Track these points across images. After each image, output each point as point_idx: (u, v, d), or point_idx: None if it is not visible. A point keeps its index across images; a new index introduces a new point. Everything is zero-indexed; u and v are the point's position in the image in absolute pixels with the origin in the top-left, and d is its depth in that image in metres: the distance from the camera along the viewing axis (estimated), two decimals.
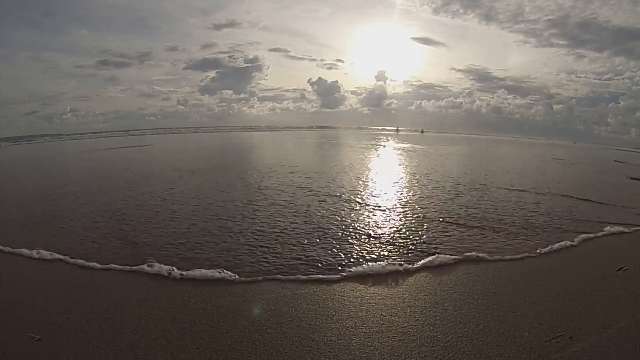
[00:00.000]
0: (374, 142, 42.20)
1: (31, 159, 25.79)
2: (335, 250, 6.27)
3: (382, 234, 7.20)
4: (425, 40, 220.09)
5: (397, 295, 4.80)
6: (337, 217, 8.37)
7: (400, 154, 26.54)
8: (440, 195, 11.00)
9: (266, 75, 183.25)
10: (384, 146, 36.30)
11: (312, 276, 5.26)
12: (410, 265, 5.64)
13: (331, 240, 6.81)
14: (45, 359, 3.46)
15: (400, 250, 6.32)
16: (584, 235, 7.35)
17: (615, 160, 32.37)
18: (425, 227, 7.70)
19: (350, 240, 6.76)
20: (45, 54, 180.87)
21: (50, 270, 5.61)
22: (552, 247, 6.66)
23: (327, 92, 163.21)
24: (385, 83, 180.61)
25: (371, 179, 14.20)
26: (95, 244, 6.67)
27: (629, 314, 4.29)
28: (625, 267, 5.65)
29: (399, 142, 42.48)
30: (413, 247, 6.44)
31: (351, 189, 11.87)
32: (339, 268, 5.55)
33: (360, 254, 6.09)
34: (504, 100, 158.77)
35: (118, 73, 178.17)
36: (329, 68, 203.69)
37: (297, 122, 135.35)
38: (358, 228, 7.53)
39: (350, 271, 5.41)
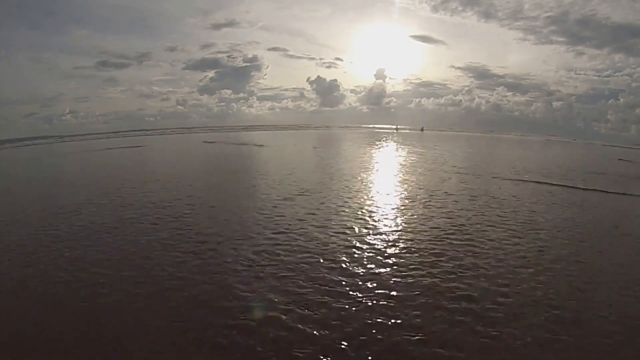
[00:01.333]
0: (379, 146, 35.61)
1: None
2: None
3: None
4: (424, 39, 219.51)
5: None
6: None
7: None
8: None
9: (265, 74, 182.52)
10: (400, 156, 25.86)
11: None
12: None
13: None
14: None
15: None
16: None
17: (619, 159, 32.04)
18: None
19: None
20: (45, 54, 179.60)
21: None
22: None
23: (327, 90, 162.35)
24: (384, 81, 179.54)
25: None
26: None
27: None
28: None
29: (407, 146, 35.77)
30: None
31: None
32: None
33: None
34: (503, 98, 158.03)
35: (117, 74, 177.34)
36: (328, 67, 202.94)
37: (297, 120, 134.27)
38: None
39: None
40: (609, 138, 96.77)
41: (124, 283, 5.66)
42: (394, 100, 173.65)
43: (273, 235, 7.74)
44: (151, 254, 6.78)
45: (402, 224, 8.71)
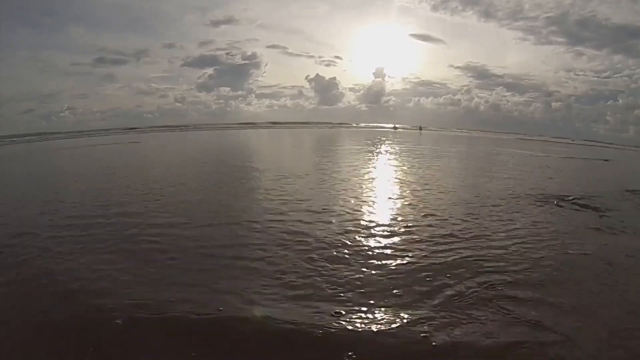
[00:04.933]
0: (369, 155, 35.09)
1: None
2: None
3: None
4: (423, 37, 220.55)
5: None
6: None
7: None
8: None
9: (264, 72, 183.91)
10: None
11: None
12: None
13: None
14: None
15: None
16: None
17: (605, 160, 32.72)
18: None
19: None
20: (43, 52, 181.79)
21: None
22: None
23: (325, 89, 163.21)
24: (383, 80, 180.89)
25: None
26: None
27: None
28: None
29: (403, 153, 35.08)
30: None
31: None
32: None
33: None
34: (502, 98, 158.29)
35: (115, 70, 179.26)
36: (327, 65, 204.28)
37: (296, 119, 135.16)
38: None
39: None
40: (607, 139, 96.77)
41: None
42: (393, 99, 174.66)
43: None
44: None
45: None
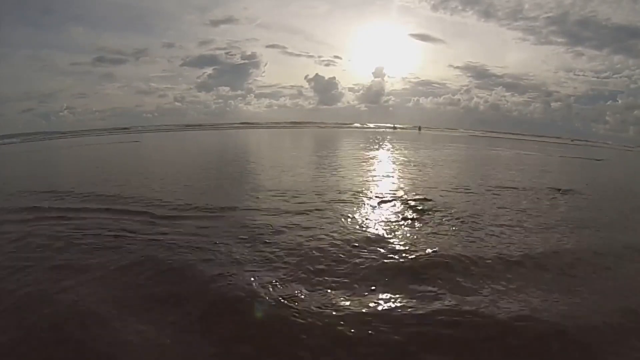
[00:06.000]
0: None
1: None
2: None
3: None
4: (423, 37, 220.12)
5: None
6: None
7: None
8: None
9: (263, 72, 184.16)
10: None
11: None
12: None
13: None
14: None
15: None
16: None
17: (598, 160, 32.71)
18: None
19: None
20: (42, 51, 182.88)
21: None
22: None
23: (325, 88, 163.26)
24: (383, 80, 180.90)
25: None
26: None
27: None
28: None
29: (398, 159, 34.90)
30: None
31: None
32: None
33: None
34: (502, 98, 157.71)
35: (114, 70, 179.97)
36: (327, 65, 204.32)
37: (295, 118, 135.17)
38: None
39: None
40: (607, 139, 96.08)
41: None
42: (393, 98, 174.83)
43: None
44: None
45: None
